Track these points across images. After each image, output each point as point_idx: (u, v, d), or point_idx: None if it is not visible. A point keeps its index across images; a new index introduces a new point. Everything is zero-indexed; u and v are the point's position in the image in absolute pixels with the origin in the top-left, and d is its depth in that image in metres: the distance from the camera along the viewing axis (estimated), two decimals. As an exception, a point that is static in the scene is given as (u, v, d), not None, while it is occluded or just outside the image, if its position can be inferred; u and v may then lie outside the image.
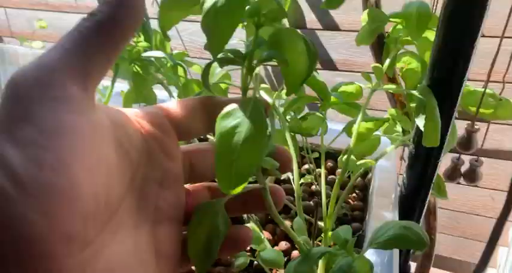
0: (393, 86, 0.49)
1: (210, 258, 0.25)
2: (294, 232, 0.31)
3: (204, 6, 0.22)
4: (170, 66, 0.57)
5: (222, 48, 0.23)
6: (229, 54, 0.25)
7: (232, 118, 0.23)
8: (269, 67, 1.21)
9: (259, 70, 0.58)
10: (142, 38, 0.57)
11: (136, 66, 0.55)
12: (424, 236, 0.29)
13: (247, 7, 0.24)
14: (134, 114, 0.25)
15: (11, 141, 0.17)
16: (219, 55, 0.25)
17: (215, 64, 0.25)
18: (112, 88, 0.60)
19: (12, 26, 1.59)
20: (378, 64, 0.45)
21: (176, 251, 0.25)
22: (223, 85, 0.56)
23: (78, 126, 0.19)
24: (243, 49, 0.26)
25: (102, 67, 0.21)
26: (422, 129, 0.41)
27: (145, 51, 0.55)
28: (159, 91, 0.61)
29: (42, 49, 1.27)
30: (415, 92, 0.42)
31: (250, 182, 0.28)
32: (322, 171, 0.49)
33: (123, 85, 0.61)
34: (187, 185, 0.28)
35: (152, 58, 0.55)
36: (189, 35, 1.28)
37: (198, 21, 0.22)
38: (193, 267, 0.30)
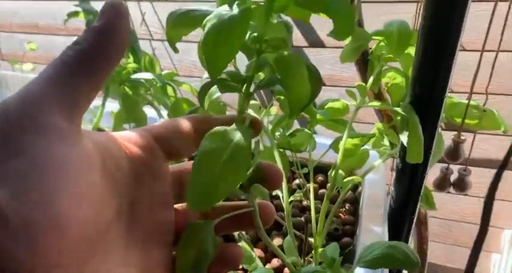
0: (377, 103, 0.50)
1: (199, 278, 0.25)
2: (285, 251, 0.32)
3: (204, 31, 0.23)
4: (159, 86, 0.58)
5: (220, 72, 0.23)
6: (227, 77, 0.25)
7: (219, 140, 0.23)
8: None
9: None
10: (131, 59, 0.58)
11: (126, 87, 0.56)
12: (412, 254, 0.29)
13: (248, 33, 0.24)
14: (120, 137, 0.25)
15: None
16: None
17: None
18: (103, 109, 0.60)
19: (3, 48, 1.61)
20: (361, 83, 0.47)
21: (166, 271, 0.25)
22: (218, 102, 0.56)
23: (67, 158, 0.19)
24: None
25: (87, 96, 0.21)
26: (406, 145, 0.41)
27: (134, 72, 0.56)
28: (150, 110, 0.61)
29: (33, 71, 1.28)
30: (398, 109, 0.43)
31: (240, 200, 0.28)
32: (311, 188, 0.49)
33: (114, 105, 0.62)
34: (177, 205, 0.27)
35: (142, 80, 0.55)
36: (178, 53, 1.28)
37: (186, 41, 0.22)
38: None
